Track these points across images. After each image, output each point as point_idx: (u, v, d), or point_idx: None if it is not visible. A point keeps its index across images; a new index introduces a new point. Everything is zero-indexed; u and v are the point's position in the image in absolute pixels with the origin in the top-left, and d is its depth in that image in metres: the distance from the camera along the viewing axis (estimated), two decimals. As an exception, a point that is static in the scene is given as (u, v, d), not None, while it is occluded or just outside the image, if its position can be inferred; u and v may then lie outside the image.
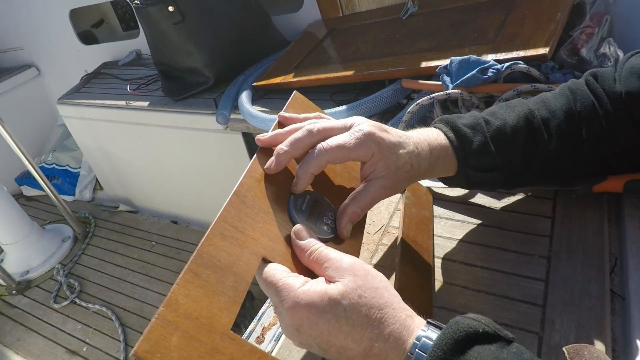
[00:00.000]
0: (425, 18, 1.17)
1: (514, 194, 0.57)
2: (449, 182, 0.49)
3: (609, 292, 0.43)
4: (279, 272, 0.32)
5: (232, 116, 1.30)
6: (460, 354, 0.27)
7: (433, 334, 0.29)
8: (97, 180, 2.23)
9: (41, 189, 1.87)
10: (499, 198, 0.58)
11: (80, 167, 2.27)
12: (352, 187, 0.44)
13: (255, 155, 0.40)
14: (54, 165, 2.30)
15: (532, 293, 0.45)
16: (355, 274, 0.31)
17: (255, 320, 0.53)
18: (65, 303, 1.69)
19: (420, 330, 0.29)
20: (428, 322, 0.30)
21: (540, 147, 0.46)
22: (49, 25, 2.06)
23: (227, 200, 0.35)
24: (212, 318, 0.29)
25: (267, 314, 0.53)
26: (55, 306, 1.69)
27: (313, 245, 0.35)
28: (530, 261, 0.48)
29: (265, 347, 0.49)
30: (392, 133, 0.40)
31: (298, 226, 0.37)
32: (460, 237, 0.54)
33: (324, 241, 0.38)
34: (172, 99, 1.45)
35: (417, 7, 1.19)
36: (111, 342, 1.52)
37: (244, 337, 0.51)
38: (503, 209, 0.56)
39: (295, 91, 0.47)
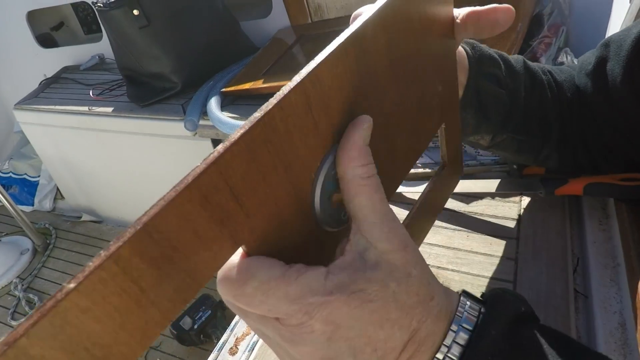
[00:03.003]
0: (392, 26, 1.19)
1: (481, 198, 0.59)
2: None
3: (573, 291, 0.45)
4: (278, 267, 0.21)
5: (201, 122, 1.28)
6: (511, 332, 0.23)
7: (475, 306, 0.24)
8: (57, 189, 2.14)
9: (-4, 199, 1.78)
10: (467, 202, 0.59)
11: (39, 176, 2.17)
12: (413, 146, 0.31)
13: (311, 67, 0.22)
14: (10, 174, 2.19)
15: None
16: (404, 247, 0.23)
17: (227, 330, 0.52)
18: (24, 320, 1.60)
19: (460, 305, 0.24)
20: (465, 293, 0.25)
21: (537, 84, 0.46)
22: (5, 27, 1.96)
23: (241, 131, 0.19)
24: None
25: (240, 323, 0.52)
26: (13, 323, 1.60)
27: (373, 170, 0.23)
28: (499, 263, 0.50)
29: (239, 358, 0.48)
30: None
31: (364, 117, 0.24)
32: (430, 240, 0.55)
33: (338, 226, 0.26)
34: (138, 104, 1.42)
35: (385, 15, 1.21)
36: (74, 358, 1.45)
37: (216, 349, 0.50)
38: (471, 212, 0.58)
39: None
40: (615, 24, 0.86)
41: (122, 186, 1.77)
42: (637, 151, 0.47)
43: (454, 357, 0.23)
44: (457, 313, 0.24)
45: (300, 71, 0.21)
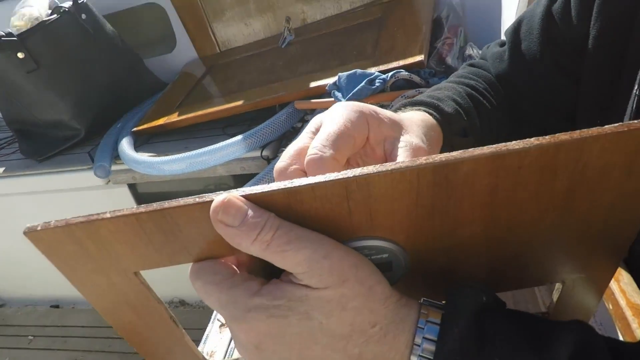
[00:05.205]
0: (303, 45, 1.20)
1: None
2: None
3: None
4: (219, 275, 0.24)
5: (114, 168, 1.16)
6: (476, 332, 0.23)
7: (436, 313, 0.24)
8: (-59, 276, 1.81)
9: None
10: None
11: None
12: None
13: None
14: None
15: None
16: (342, 282, 0.23)
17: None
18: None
19: (421, 314, 0.24)
20: (424, 301, 0.25)
21: (482, 107, 0.47)
22: None
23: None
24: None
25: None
26: None
27: (267, 221, 0.22)
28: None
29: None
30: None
31: (229, 196, 0.22)
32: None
33: None
34: (35, 159, 1.26)
35: (294, 36, 1.22)
36: None
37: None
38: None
39: None
40: (508, 16, 0.94)
41: (25, 257, 1.54)
42: (570, 126, 0.49)
43: None
44: (419, 325, 0.24)
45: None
